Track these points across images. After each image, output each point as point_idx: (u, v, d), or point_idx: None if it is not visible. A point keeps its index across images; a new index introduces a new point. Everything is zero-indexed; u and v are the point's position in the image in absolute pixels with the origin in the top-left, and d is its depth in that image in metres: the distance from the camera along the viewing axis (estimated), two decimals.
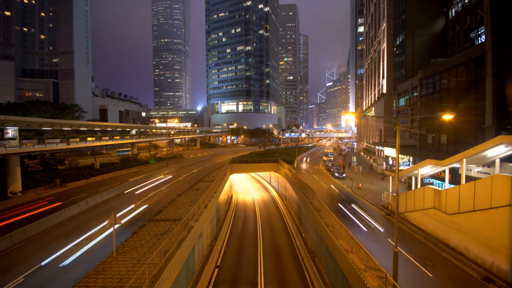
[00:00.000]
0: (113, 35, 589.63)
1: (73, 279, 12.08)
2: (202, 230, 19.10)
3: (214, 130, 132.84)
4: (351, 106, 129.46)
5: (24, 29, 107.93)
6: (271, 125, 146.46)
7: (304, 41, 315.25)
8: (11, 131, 28.06)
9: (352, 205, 27.80)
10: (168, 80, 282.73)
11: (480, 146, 16.01)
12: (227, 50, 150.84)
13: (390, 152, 41.59)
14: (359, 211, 25.76)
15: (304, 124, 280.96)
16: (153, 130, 77.01)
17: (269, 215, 32.20)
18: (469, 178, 20.59)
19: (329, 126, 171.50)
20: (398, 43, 44.80)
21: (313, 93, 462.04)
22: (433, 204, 18.74)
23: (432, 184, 27.68)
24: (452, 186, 19.60)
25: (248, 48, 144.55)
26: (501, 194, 13.27)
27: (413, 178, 24.57)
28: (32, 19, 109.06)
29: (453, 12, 34.99)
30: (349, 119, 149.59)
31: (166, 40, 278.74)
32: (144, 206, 23.73)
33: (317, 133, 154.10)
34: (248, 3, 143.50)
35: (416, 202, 21.02)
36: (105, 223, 18.31)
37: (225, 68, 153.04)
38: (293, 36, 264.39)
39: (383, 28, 53.74)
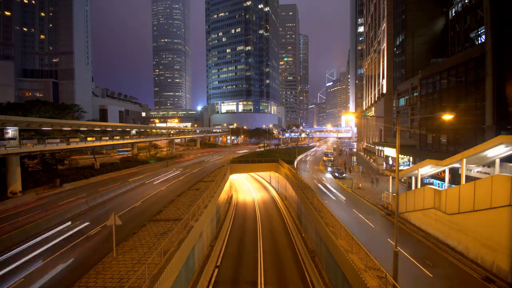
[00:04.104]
0: (113, 35, 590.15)
1: None
2: (202, 230, 19.10)
3: (214, 130, 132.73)
4: (351, 106, 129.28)
5: (24, 29, 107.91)
6: (271, 125, 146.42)
7: (304, 41, 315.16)
8: (11, 131, 28.02)
9: (351, 205, 27.79)
10: (168, 80, 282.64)
11: (480, 146, 16.00)
12: (227, 50, 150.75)
13: (390, 152, 41.57)
14: (359, 211, 25.75)
15: (304, 124, 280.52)
16: (153, 130, 76.93)
17: (269, 215, 32.19)
18: (469, 178, 20.57)
19: (329, 126, 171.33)
20: (398, 43, 44.78)
21: (313, 93, 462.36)
22: (433, 204, 18.73)
23: (432, 184, 27.66)
24: (452, 186, 19.61)
25: (248, 48, 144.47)
26: (501, 194, 13.27)
27: (413, 178, 24.56)
28: (32, 19, 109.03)
29: (453, 12, 34.99)
30: (349, 119, 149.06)
31: (166, 40, 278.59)
32: None
33: (317, 133, 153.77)
34: (248, 3, 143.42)
35: (416, 202, 21.01)
36: None
37: (225, 68, 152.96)
38: (293, 36, 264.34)
39: (383, 28, 53.69)
